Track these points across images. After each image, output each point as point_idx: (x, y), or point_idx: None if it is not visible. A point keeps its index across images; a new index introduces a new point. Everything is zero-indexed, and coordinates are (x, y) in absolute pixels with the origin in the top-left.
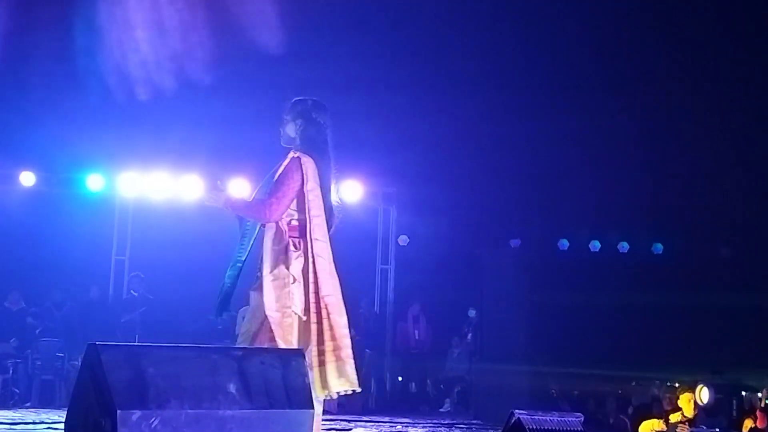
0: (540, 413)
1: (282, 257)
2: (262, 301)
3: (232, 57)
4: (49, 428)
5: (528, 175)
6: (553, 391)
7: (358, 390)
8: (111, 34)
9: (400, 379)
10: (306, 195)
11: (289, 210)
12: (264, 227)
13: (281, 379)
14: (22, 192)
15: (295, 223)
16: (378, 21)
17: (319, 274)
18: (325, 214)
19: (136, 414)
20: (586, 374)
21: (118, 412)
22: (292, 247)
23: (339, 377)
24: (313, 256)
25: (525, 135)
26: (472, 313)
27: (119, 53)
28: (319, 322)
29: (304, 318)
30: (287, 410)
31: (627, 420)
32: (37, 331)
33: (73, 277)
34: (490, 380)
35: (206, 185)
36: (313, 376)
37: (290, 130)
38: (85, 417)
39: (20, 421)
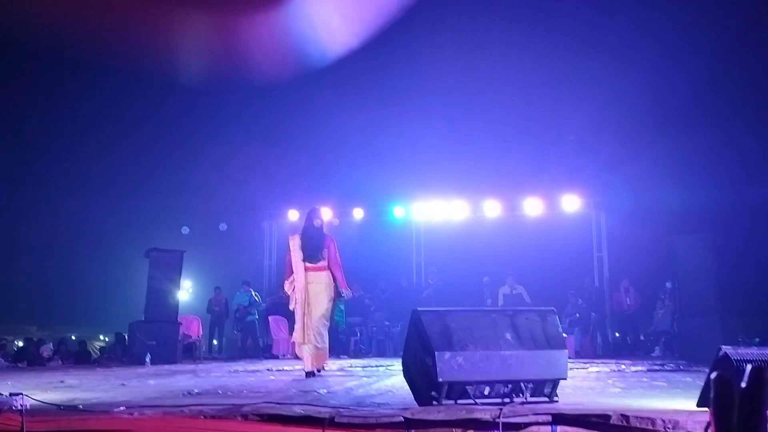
0: (742, 347)
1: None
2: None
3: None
4: (386, 368)
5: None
6: (739, 338)
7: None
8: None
9: (617, 334)
10: (290, 254)
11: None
12: None
13: (542, 330)
14: (356, 222)
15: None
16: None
17: (296, 286)
18: (305, 254)
19: (447, 354)
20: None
21: (436, 353)
22: (289, 275)
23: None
24: (293, 278)
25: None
26: (668, 284)
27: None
28: (303, 307)
29: (294, 306)
30: (548, 350)
31: None
32: (371, 309)
33: (390, 273)
34: (689, 332)
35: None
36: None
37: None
38: (414, 356)
39: (367, 365)
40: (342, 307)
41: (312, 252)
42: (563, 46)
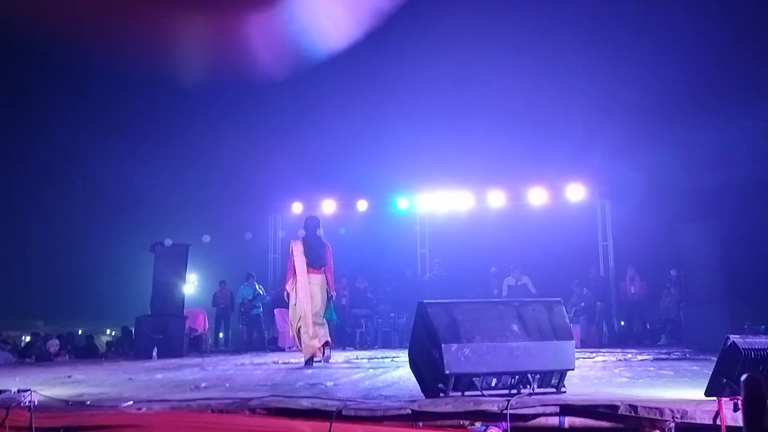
0: (750, 336)
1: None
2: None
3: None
4: (392, 360)
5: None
6: (746, 326)
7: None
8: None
9: (622, 323)
10: (293, 258)
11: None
12: None
13: (548, 320)
14: (359, 214)
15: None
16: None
17: (298, 287)
18: (308, 260)
19: (454, 346)
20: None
21: (443, 345)
22: (291, 277)
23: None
24: (296, 279)
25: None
26: (673, 272)
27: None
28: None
29: (294, 304)
30: (555, 341)
31: None
32: (374, 302)
33: (394, 264)
34: (694, 320)
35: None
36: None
37: (300, 231)
38: (420, 348)
39: (373, 357)
40: (331, 305)
41: (315, 259)
42: (567, 34)
